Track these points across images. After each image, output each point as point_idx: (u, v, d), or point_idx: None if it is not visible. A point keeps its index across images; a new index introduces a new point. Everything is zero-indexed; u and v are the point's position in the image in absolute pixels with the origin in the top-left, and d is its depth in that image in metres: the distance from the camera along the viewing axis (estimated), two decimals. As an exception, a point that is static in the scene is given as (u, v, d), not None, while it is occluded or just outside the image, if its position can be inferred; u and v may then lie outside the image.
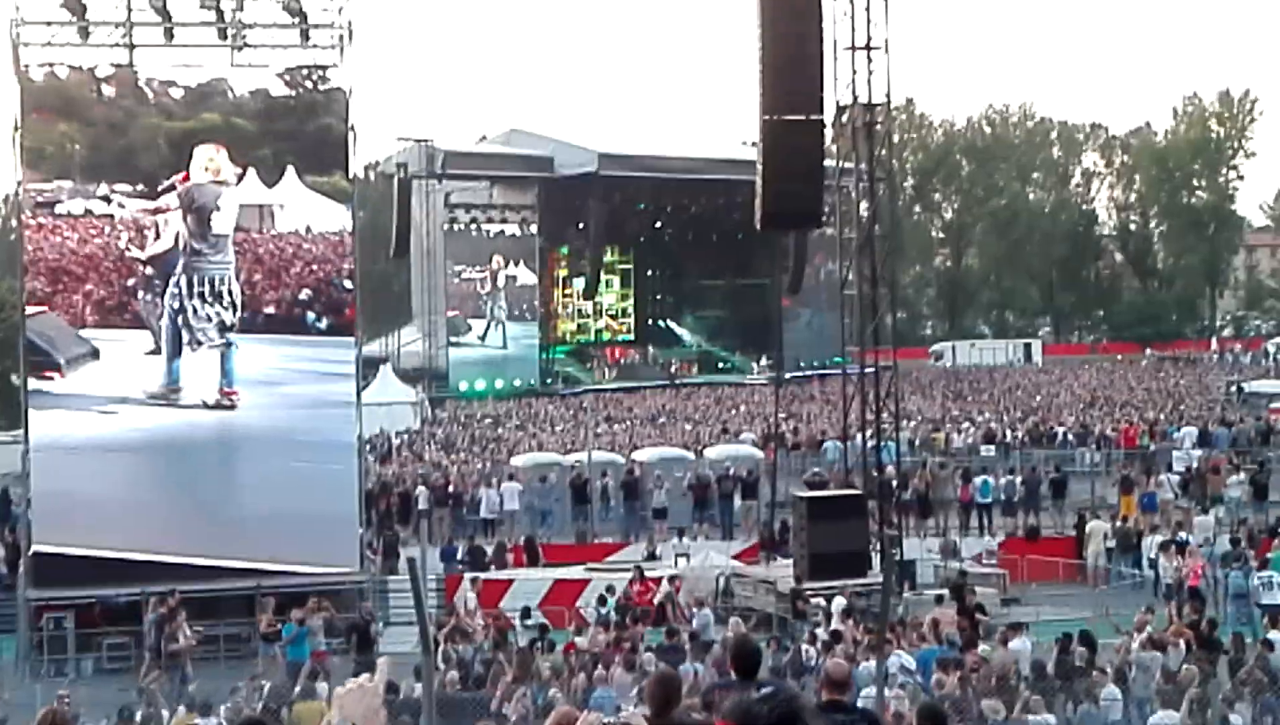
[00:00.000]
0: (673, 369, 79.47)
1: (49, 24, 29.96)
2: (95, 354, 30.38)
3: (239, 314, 30.64)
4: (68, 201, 30.94)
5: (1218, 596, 28.44)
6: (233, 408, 30.31)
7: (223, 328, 30.46)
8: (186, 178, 30.36)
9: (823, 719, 9.37)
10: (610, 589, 28.89)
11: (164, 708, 20.12)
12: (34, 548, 29.26)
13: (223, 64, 31.05)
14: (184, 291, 30.22)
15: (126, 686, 23.99)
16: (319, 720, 9.34)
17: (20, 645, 29.08)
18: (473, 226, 75.02)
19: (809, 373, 73.75)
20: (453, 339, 75.36)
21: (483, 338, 76.27)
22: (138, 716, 19.59)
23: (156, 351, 30.38)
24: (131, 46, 30.31)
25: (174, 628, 26.27)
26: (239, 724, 9.32)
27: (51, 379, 30.13)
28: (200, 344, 30.35)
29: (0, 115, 31.19)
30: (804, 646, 22.57)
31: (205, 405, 30.30)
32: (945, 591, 27.27)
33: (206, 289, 30.31)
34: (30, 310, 30.55)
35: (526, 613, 28.98)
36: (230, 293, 30.44)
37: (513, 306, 77.21)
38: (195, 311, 30.27)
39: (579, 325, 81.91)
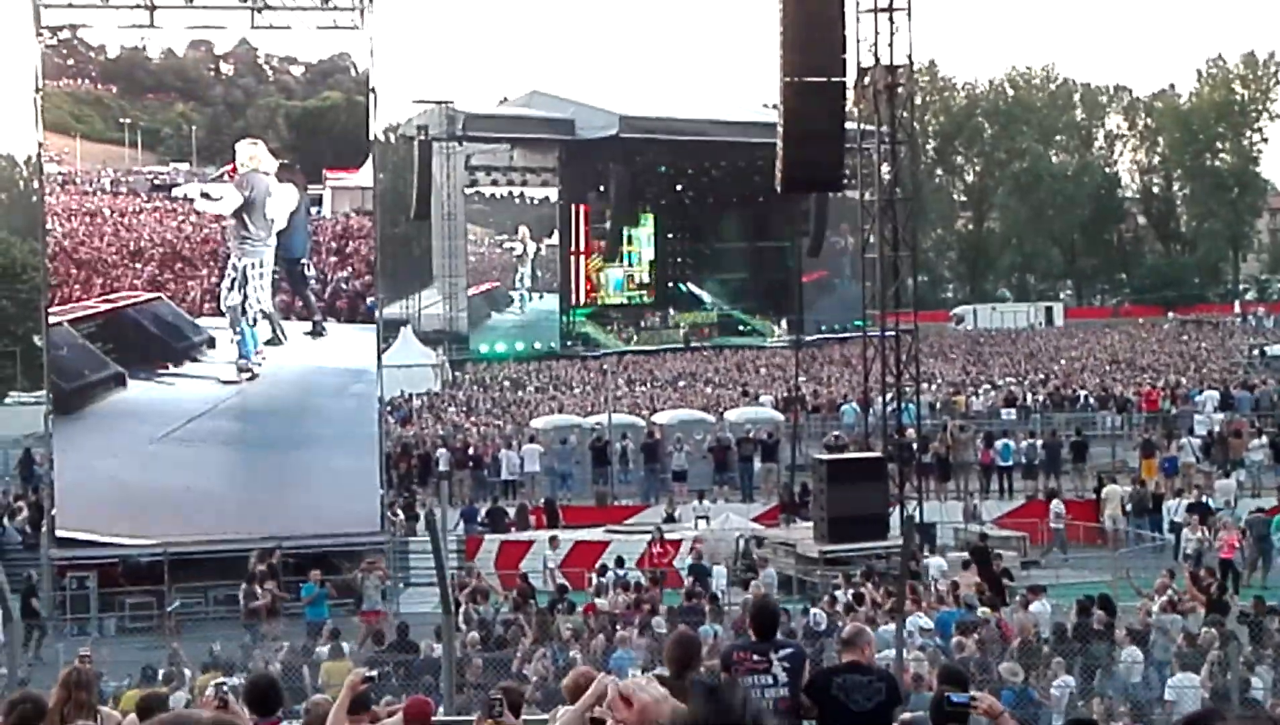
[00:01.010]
0: (682, 332, 79.41)
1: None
2: (212, 343, 30.04)
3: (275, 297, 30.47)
4: (184, 185, 30.79)
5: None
6: (253, 377, 30.16)
7: (260, 310, 30.26)
8: (235, 170, 30.22)
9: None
10: (620, 561, 28.76)
11: (187, 667, 20.24)
12: (54, 510, 29.31)
13: (243, 26, 30.97)
14: (240, 276, 30.07)
15: (148, 645, 24.16)
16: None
17: (44, 604, 29.26)
18: (494, 189, 75.05)
19: (829, 336, 73.72)
20: (491, 313, 75.83)
21: (521, 308, 76.72)
22: (160, 675, 19.70)
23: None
24: (152, 8, 30.15)
25: (252, 587, 26.43)
26: (247, 683, 9.40)
27: (166, 368, 29.75)
28: (254, 323, 30.21)
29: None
30: (814, 611, 22.63)
31: (219, 381, 30.11)
32: (966, 555, 27.36)
33: (255, 273, 30.14)
34: (145, 296, 30.06)
35: (620, 562, 28.78)
36: (267, 276, 30.24)
37: (536, 270, 77.41)
38: (247, 295, 30.07)
39: (599, 287, 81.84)
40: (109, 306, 29.81)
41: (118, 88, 31.07)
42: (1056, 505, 33.93)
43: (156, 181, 30.79)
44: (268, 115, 31.12)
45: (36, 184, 31.07)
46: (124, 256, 30.14)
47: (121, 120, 31.00)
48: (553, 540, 29.54)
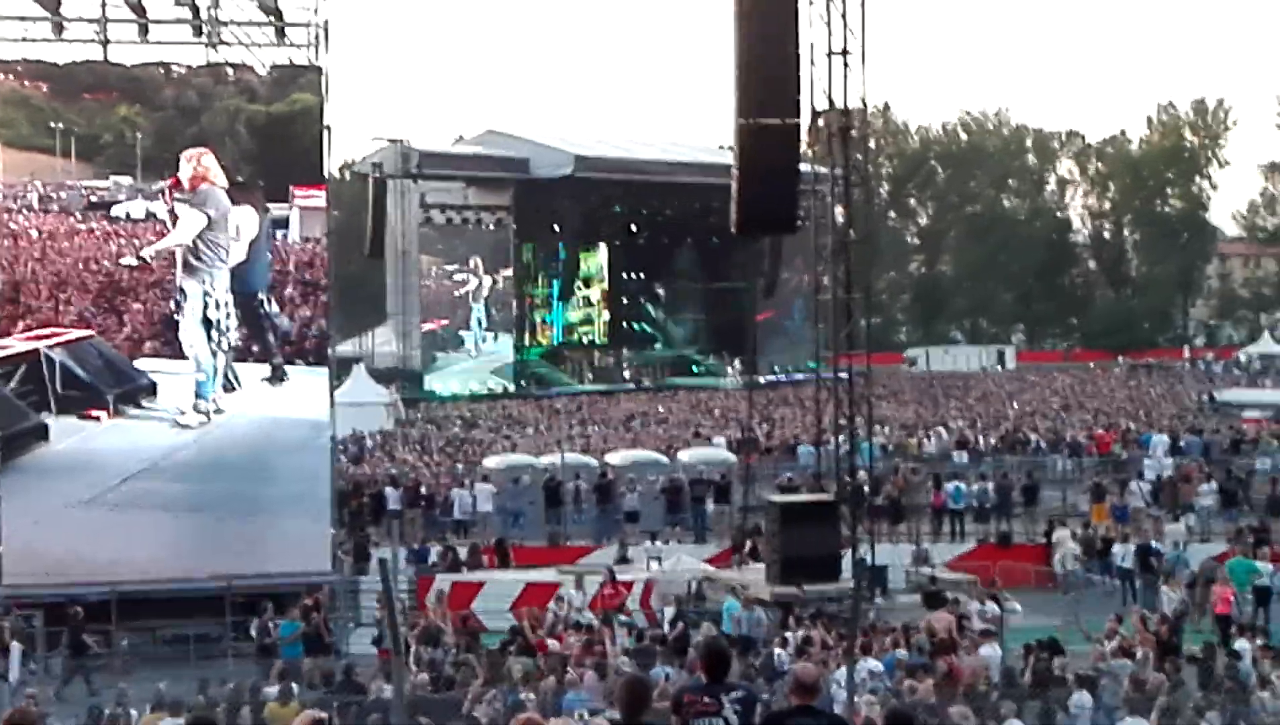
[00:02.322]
0: (626, 375, 79.42)
1: (22, 19, 29.35)
2: (153, 389, 27.50)
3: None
4: (126, 202, 27.84)
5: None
6: (207, 420, 28.24)
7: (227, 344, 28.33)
8: (176, 183, 27.63)
9: None
10: (559, 599, 28.24)
11: (133, 707, 20.00)
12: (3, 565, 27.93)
13: (198, 61, 30.35)
14: (200, 306, 27.83)
15: (97, 687, 23.87)
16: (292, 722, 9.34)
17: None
18: (448, 227, 75.11)
19: (783, 378, 73.87)
20: (438, 354, 75.75)
21: (475, 348, 76.70)
22: (105, 714, 19.47)
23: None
24: (105, 43, 29.60)
25: (264, 621, 26.13)
26: (189, 723, 9.28)
27: (98, 420, 27.13)
28: (220, 358, 28.03)
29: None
30: (776, 651, 22.56)
31: (177, 423, 28.01)
32: (918, 596, 27.39)
33: (214, 302, 28.11)
34: (74, 334, 27.22)
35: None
36: (227, 303, 28.12)
37: (489, 308, 77.54)
38: (211, 328, 28.03)
39: (553, 327, 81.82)
40: (29, 346, 26.90)
41: (49, 86, 28.09)
42: (1068, 548, 33.69)
43: (93, 198, 27.98)
44: (227, 121, 28.42)
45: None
46: (51, 286, 27.19)
47: (53, 125, 28.04)
48: (578, 580, 28.45)
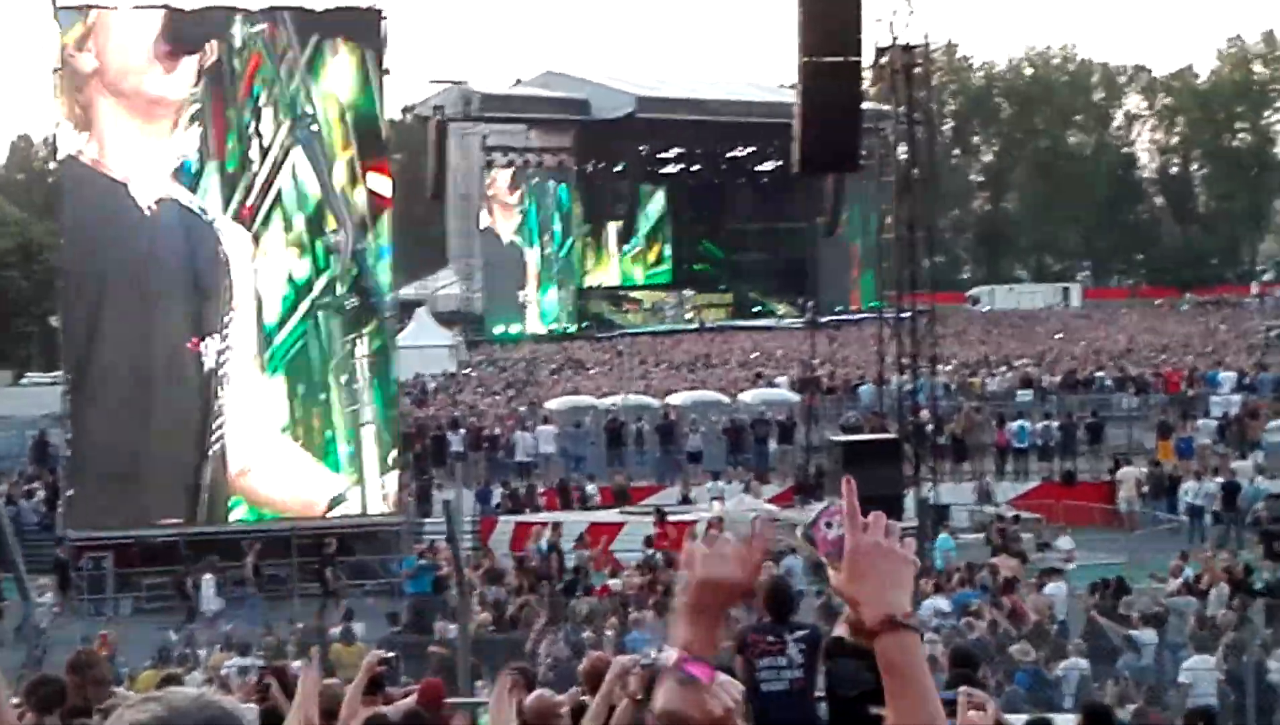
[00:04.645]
0: (688, 315, 79.18)
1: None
2: None
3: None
4: None
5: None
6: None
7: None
8: None
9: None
10: (649, 539, 28.64)
11: (202, 648, 20.28)
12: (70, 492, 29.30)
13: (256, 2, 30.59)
14: None
15: (164, 626, 24.20)
16: (358, 663, 9.45)
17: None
18: (510, 170, 75.04)
19: (846, 317, 73.50)
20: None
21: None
22: (175, 655, 19.75)
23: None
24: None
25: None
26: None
27: None
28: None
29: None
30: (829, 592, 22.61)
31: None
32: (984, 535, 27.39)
33: None
34: None
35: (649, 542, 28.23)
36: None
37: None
38: None
39: (615, 268, 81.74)
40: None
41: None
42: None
43: None
44: None
45: (52, 165, 30.19)
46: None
47: None
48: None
